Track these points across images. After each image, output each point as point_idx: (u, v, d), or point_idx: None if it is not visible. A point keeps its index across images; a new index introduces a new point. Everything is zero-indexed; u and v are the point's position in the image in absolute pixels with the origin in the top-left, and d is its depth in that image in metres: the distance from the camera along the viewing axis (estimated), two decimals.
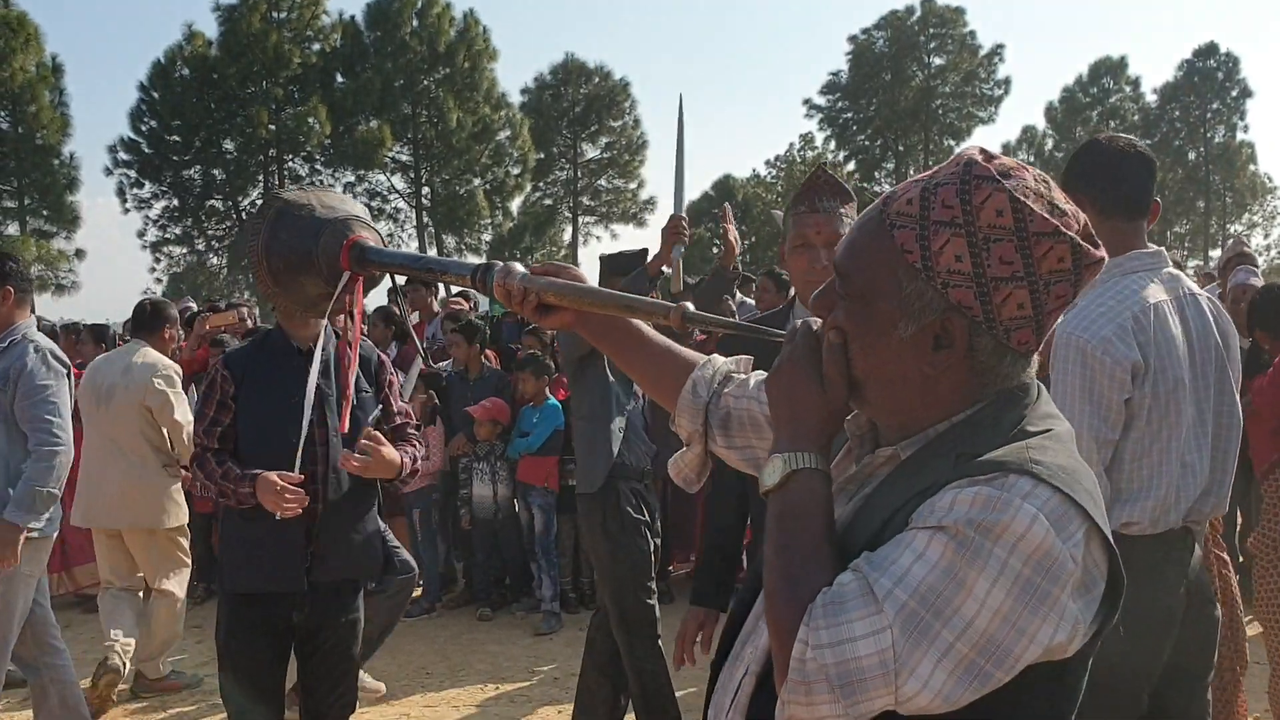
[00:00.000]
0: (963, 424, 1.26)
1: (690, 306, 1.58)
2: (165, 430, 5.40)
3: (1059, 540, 1.11)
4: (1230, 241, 7.47)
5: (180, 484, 5.52)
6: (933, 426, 1.27)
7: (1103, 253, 1.25)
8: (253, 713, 3.40)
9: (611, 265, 4.44)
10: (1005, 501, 1.11)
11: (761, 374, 1.62)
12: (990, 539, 1.11)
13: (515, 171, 42.69)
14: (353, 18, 40.49)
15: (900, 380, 1.27)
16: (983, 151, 1.26)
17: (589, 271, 1.84)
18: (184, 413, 5.35)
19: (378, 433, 3.36)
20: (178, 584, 5.48)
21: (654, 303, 1.63)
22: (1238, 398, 2.61)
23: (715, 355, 1.70)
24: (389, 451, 3.33)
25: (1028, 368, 1.28)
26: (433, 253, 41.95)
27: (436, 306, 9.26)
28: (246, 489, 3.22)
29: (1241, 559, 6.11)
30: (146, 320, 5.64)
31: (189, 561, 5.64)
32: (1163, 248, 2.66)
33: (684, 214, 3.45)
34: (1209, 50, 49.10)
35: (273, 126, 38.66)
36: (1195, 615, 2.50)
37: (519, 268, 1.66)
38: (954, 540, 1.12)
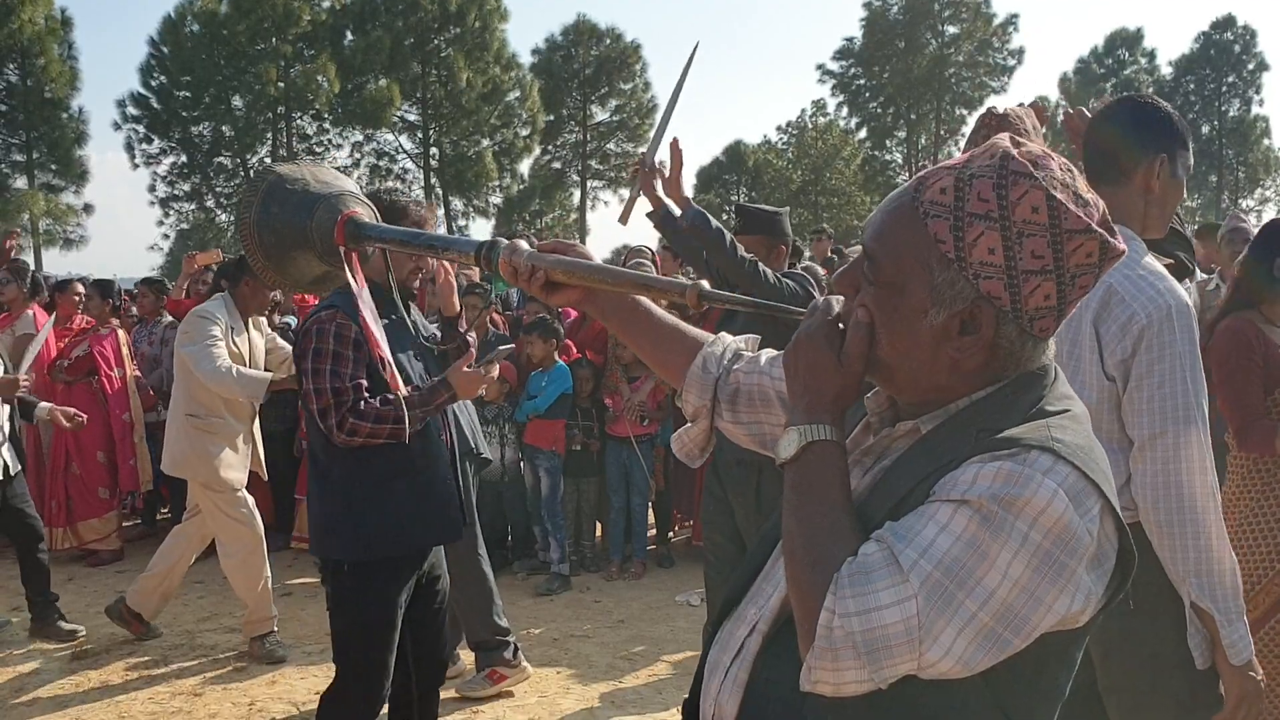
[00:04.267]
0: (983, 401, 1.29)
1: (705, 285, 1.59)
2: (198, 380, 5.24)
3: (1077, 515, 1.15)
4: (1227, 218, 7.37)
5: (213, 439, 5.27)
6: (954, 402, 1.30)
7: (1123, 245, 1.27)
8: (382, 679, 3.32)
9: (749, 219, 4.49)
10: (1027, 477, 1.15)
11: (771, 351, 1.65)
12: (1013, 513, 1.14)
13: (524, 133, 42.41)
14: None
15: (926, 363, 1.29)
16: (1013, 140, 1.28)
17: (598, 244, 1.85)
18: (205, 362, 5.08)
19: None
20: (192, 532, 5.47)
21: (670, 281, 1.63)
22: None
23: (724, 334, 1.72)
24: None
25: (1047, 351, 1.31)
26: (440, 214, 41.84)
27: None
28: (443, 395, 3.28)
29: None
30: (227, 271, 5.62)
31: (216, 523, 5.36)
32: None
33: (655, 159, 3.99)
34: (1226, 23, 48.63)
35: (282, 84, 38.40)
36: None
37: (525, 245, 1.67)
38: (977, 514, 1.15)
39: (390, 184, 42.27)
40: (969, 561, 1.14)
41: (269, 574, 5.38)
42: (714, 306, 1.65)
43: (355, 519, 3.23)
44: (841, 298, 1.37)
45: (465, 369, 3.31)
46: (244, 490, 5.35)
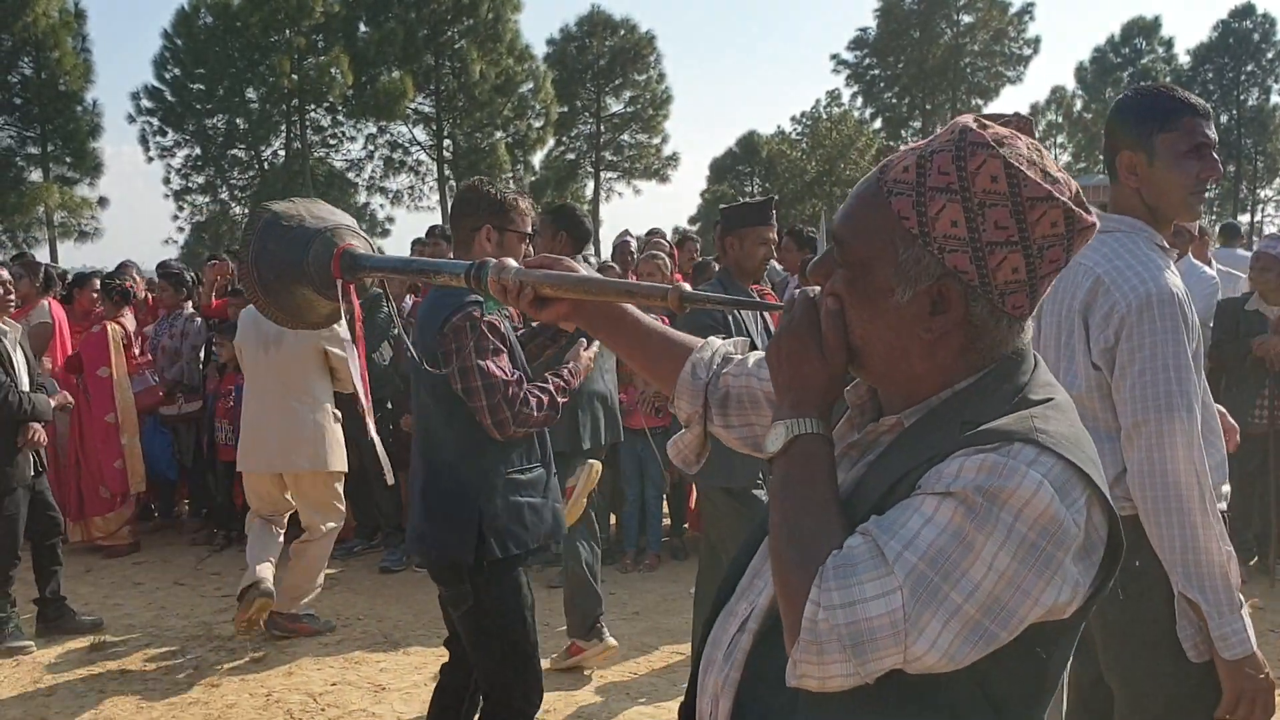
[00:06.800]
0: (965, 392, 1.28)
1: (686, 287, 1.59)
2: (334, 371, 5.55)
3: (1063, 506, 1.15)
4: None
5: (340, 427, 5.67)
6: (936, 395, 1.29)
7: (1094, 218, 1.26)
8: (537, 661, 3.37)
9: (730, 217, 4.48)
10: (1011, 469, 1.14)
11: (759, 353, 1.64)
12: (997, 505, 1.14)
13: (538, 125, 42.42)
14: None
15: (899, 346, 1.28)
16: (977, 120, 1.28)
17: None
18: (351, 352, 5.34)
19: None
20: (334, 529, 5.64)
21: (651, 286, 1.63)
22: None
23: (713, 338, 1.72)
24: None
25: (1023, 333, 1.30)
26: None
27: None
28: (575, 380, 3.48)
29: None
30: None
31: (343, 509, 5.77)
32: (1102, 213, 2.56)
33: None
34: (1245, 11, 48.27)
35: (295, 76, 38.48)
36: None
37: (512, 263, 1.69)
38: (962, 505, 1.14)
39: (404, 176, 42.41)
40: (954, 553, 1.13)
41: None
42: (696, 308, 1.67)
43: (505, 515, 3.25)
44: (818, 289, 1.36)
45: (584, 354, 3.52)
46: None
